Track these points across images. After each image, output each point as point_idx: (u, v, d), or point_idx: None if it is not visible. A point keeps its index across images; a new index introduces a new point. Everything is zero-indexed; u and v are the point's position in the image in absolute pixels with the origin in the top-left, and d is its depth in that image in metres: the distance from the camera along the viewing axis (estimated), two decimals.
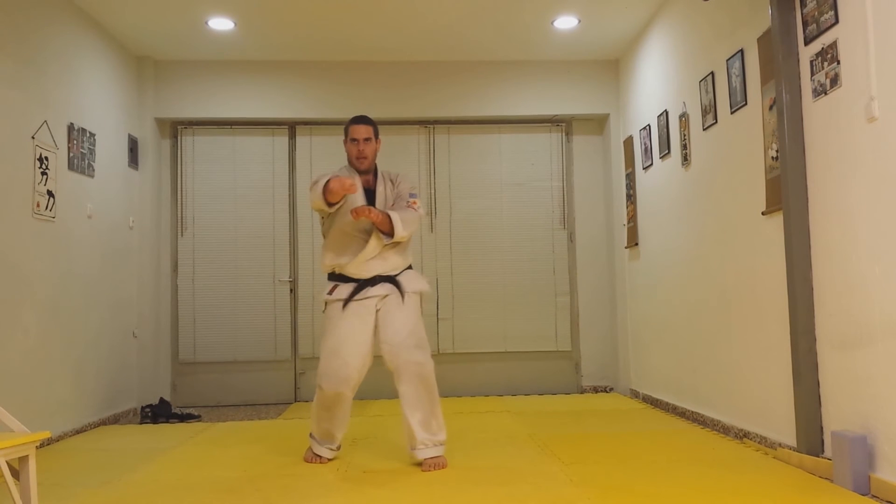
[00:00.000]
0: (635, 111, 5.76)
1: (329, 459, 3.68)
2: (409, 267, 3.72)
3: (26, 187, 4.21)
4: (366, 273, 3.55)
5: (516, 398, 5.93)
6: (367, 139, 3.63)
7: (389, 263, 3.58)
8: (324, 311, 3.69)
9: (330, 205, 3.47)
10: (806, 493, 2.93)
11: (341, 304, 3.54)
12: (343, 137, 3.73)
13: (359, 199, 3.58)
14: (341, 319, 3.51)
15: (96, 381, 5.03)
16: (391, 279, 3.58)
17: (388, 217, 3.47)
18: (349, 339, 3.49)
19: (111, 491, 3.21)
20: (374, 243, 3.51)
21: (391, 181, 3.73)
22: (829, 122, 3.16)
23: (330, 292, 3.60)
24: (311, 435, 3.72)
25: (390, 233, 3.49)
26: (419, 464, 3.51)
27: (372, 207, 3.43)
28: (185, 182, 6.15)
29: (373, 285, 3.55)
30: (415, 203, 3.62)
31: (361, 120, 3.68)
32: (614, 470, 3.35)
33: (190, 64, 6.02)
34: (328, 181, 3.37)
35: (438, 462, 3.49)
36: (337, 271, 3.62)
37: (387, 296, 3.56)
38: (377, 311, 3.55)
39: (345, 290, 3.56)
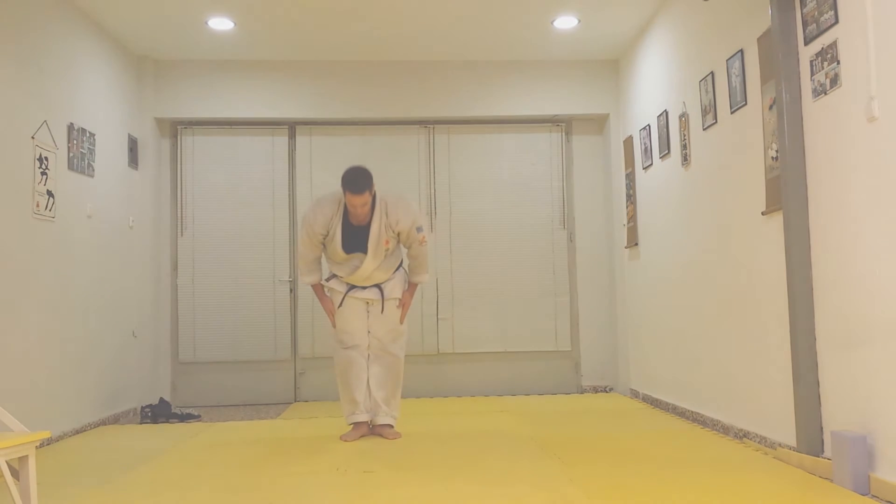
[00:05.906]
0: (635, 111, 5.76)
1: (366, 423, 4.26)
2: (399, 265, 4.36)
3: (26, 187, 4.21)
4: (363, 283, 4.26)
5: (516, 398, 5.94)
6: (363, 204, 4.02)
7: (381, 275, 4.24)
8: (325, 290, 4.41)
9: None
10: (806, 493, 2.93)
11: (340, 296, 4.27)
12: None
13: (338, 235, 4.14)
14: (344, 308, 4.28)
15: (96, 381, 5.03)
16: (379, 285, 4.28)
17: (414, 288, 4.37)
18: (351, 318, 4.27)
19: (111, 491, 3.22)
20: (369, 265, 4.14)
21: (387, 215, 4.11)
22: (828, 122, 3.16)
23: (328, 279, 4.35)
24: (346, 417, 4.31)
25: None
26: (375, 426, 4.26)
27: (407, 303, 4.32)
28: (184, 182, 6.15)
29: (363, 288, 4.26)
30: (423, 239, 4.24)
31: (356, 189, 3.95)
32: (614, 470, 3.35)
33: (190, 64, 6.02)
34: (323, 300, 4.34)
35: (391, 432, 4.23)
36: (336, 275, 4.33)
37: (375, 300, 4.27)
38: (369, 309, 4.30)
39: (341, 283, 4.27)
